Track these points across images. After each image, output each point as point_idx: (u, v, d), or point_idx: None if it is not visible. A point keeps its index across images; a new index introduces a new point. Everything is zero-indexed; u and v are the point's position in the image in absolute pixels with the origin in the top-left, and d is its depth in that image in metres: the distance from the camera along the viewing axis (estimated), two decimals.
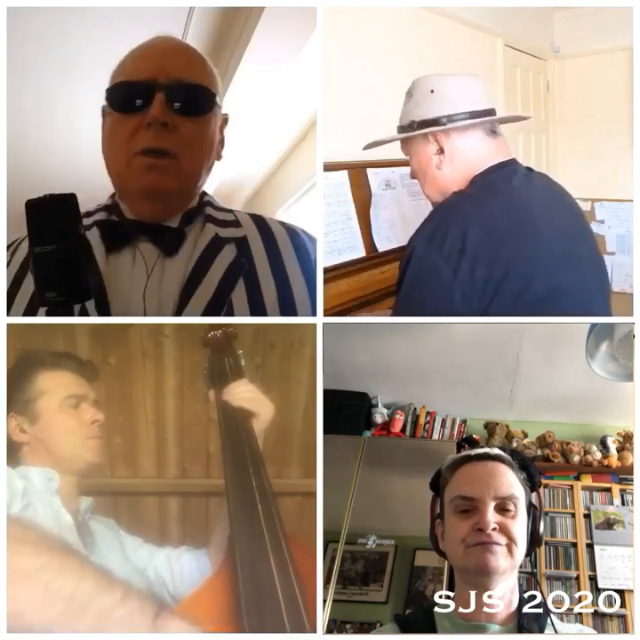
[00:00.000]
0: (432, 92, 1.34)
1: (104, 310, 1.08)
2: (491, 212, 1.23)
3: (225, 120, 1.25)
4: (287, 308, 1.15)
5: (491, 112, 1.35)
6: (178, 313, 1.09)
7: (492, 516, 0.95)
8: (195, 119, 1.13)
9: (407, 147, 1.42)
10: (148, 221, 1.16)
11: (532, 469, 1.03)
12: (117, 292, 1.10)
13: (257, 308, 1.13)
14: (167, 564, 1.28)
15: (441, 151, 1.33)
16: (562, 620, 1.02)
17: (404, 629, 1.00)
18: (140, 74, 1.12)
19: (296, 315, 1.15)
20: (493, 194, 1.27)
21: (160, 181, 1.11)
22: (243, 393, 1.24)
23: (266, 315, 1.13)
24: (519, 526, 0.96)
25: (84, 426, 1.26)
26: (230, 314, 1.11)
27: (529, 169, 1.38)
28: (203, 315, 1.09)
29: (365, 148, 1.53)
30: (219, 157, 1.23)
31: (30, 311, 1.10)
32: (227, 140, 1.25)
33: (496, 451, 1.02)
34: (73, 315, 0.98)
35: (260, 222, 1.24)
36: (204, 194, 1.26)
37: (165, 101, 1.09)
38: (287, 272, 1.18)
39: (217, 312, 1.10)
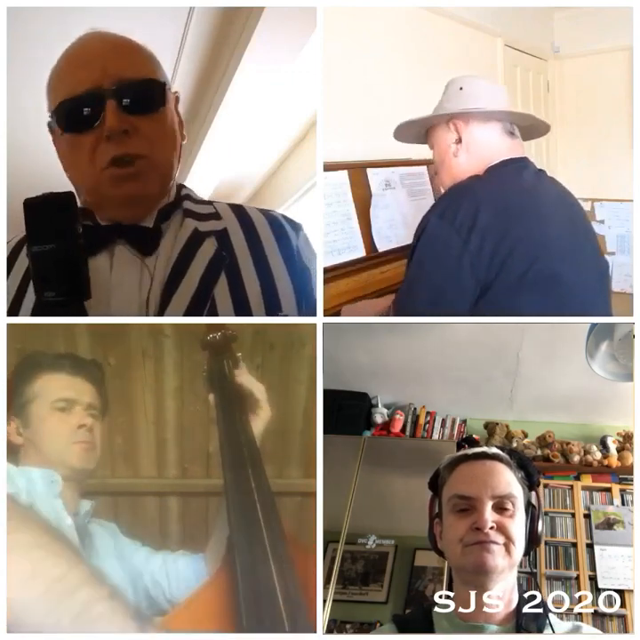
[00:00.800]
0: (461, 89, 1.44)
1: (83, 315, 1.04)
2: (502, 195, 1.31)
3: (177, 99, 1.19)
4: (271, 300, 1.13)
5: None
6: (160, 312, 1.07)
7: (489, 515, 0.94)
8: (153, 116, 1.08)
9: (432, 138, 1.50)
10: (126, 223, 1.12)
11: (530, 468, 1.03)
12: (96, 297, 1.05)
13: (240, 303, 1.11)
14: (163, 569, 1.28)
15: (459, 140, 1.42)
16: (562, 619, 1.02)
17: (402, 629, 1.00)
18: (81, 84, 1.05)
19: (280, 307, 1.13)
20: (505, 181, 1.35)
21: (137, 188, 1.07)
22: (244, 379, 1.24)
23: (249, 309, 1.11)
24: (517, 525, 0.96)
25: (70, 430, 1.23)
26: (213, 309, 1.09)
27: (540, 170, 1.44)
28: (186, 311, 1.07)
29: (395, 132, 1.58)
30: (183, 138, 1.19)
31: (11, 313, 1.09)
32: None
33: (494, 450, 1.02)
34: (70, 314, 0.97)
35: (240, 212, 1.21)
36: (182, 187, 1.22)
37: (118, 107, 1.03)
38: (269, 263, 1.15)
39: (200, 308, 1.08)
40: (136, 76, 1.07)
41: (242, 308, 1.10)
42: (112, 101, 1.03)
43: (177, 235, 1.14)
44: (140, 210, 1.12)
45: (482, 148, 1.41)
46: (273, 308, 1.12)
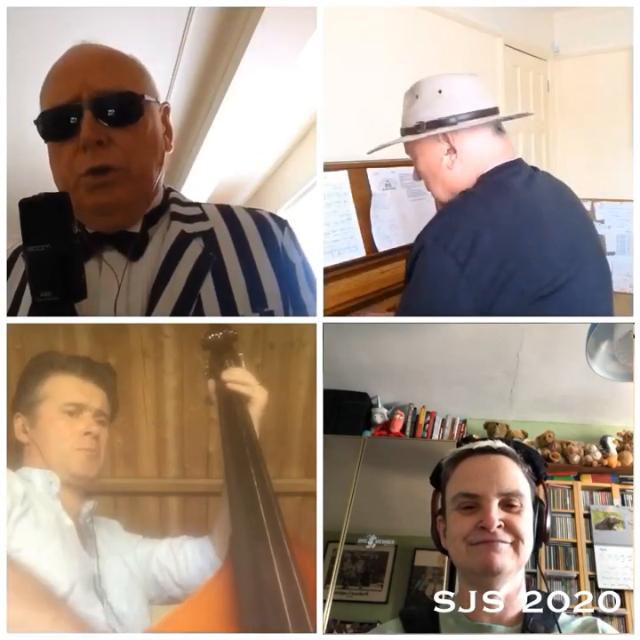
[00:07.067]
0: (440, 92, 1.34)
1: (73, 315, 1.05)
2: (499, 212, 1.25)
3: (166, 109, 1.22)
4: (256, 297, 1.14)
5: (495, 110, 1.37)
6: (147, 314, 1.08)
7: (496, 514, 0.91)
8: (129, 127, 1.11)
9: (414, 148, 1.41)
10: (108, 232, 1.15)
11: (537, 462, 0.99)
12: (87, 303, 1.06)
13: (226, 301, 1.12)
14: (171, 554, 1.29)
15: (453, 151, 1.34)
16: (574, 617, 0.98)
17: (408, 625, 0.98)
18: (62, 96, 1.09)
19: (265, 303, 1.14)
20: (500, 194, 1.29)
21: (110, 196, 1.10)
22: (237, 376, 1.24)
23: (235, 307, 1.12)
24: (525, 522, 0.93)
25: (76, 435, 1.22)
26: (199, 309, 1.10)
27: (534, 168, 1.39)
28: (173, 312, 1.08)
29: (370, 152, 1.54)
30: (168, 148, 1.21)
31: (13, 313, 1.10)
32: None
33: (499, 443, 0.99)
34: (67, 314, 0.97)
35: (227, 212, 1.23)
36: (170, 190, 1.24)
37: (94, 118, 1.07)
38: (255, 261, 1.17)
39: (186, 309, 1.09)
40: (113, 88, 1.10)
41: (227, 306, 1.12)
42: (89, 113, 1.07)
43: (164, 237, 1.16)
44: (117, 218, 1.14)
45: (476, 156, 1.34)
46: (258, 305, 1.14)
